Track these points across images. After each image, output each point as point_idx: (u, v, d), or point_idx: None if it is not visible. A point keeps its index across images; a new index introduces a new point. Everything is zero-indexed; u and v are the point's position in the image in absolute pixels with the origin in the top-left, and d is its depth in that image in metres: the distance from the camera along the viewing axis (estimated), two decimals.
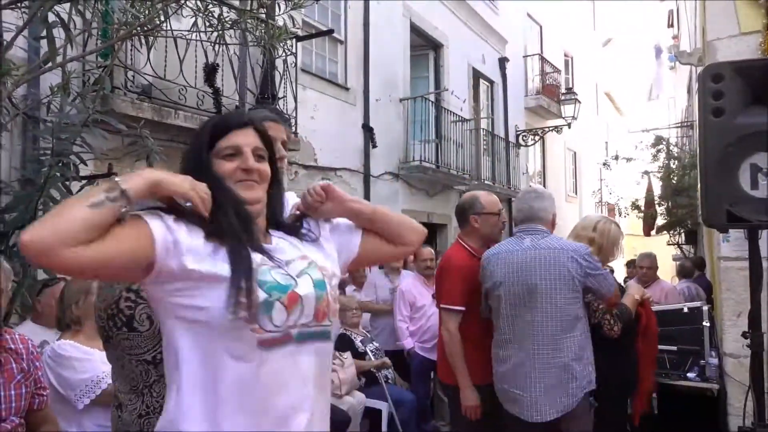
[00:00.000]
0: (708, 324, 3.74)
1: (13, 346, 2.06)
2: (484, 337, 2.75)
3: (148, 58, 4.39)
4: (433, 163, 8.97)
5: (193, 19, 3.85)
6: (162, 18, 3.64)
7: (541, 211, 2.70)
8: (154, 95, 4.68)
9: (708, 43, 4.77)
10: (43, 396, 2.15)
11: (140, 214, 1.12)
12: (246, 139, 1.28)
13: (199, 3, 3.77)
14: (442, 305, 2.92)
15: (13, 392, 1.99)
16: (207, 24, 3.84)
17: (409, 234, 1.50)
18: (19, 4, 2.57)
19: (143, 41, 3.99)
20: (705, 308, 3.84)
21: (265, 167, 1.31)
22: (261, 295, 1.14)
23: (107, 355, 1.82)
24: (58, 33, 2.59)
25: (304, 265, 1.27)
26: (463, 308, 2.83)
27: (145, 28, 3.37)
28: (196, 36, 4.19)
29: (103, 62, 4.08)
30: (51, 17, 2.28)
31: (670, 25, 15.46)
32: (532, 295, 2.53)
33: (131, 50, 4.48)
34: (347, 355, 4.44)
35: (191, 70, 4.84)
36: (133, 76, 4.56)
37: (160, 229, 1.11)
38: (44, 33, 2.38)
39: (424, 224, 8.02)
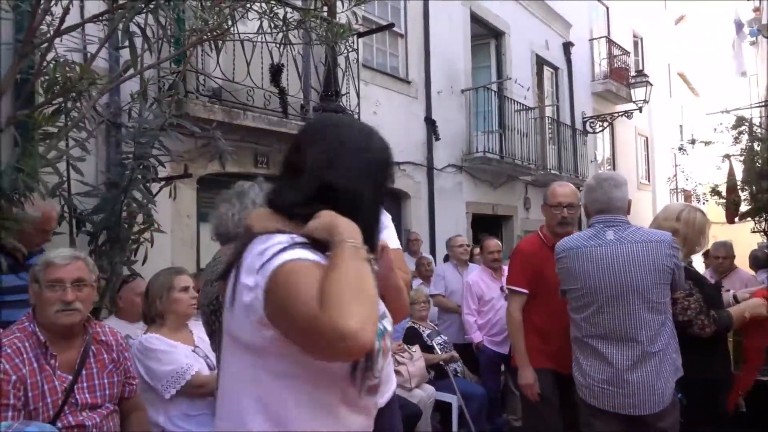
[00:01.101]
0: None
1: (104, 338, 2.21)
2: (547, 324, 2.80)
3: (218, 62, 4.55)
4: (497, 153, 8.82)
5: (259, 21, 3.96)
6: (230, 22, 3.77)
7: (620, 200, 2.56)
8: (224, 97, 4.86)
9: None
10: (132, 385, 2.29)
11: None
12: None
13: (264, 5, 3.87)
14: (507, 285, 3.10)
15: (106, 380, 2.14)
16: (272, 26, 3.94)
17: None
18: (100, 18, 2.72)
19: (213, 46, 4.15)
20: None
21: None
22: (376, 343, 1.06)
23: (212, 346, 1.95)
24: (139, 42, 2.73)
25: None
26: (525, 291, 2.91)
27: (215, 33, 3.50)
28: (262, 38, 4.31)
29: (176, 68, 4.28)
30: (131, 27, 2.41)
31: None
32: (624, 292, 2.41)
33: (201, 55, 4.66)
34: (416, 348, 4.46)
35: (258, 71, 4.98)
36: (204, 80, 4.75)
37: None
38: (125, 42, 2.51)
39: (490, 216, 7.88)
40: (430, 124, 7.93)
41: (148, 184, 3.65)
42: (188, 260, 4.64)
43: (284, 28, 3.83)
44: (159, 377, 2.47)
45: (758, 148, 9.59)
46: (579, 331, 2.53)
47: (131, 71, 2.66)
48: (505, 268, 4.10)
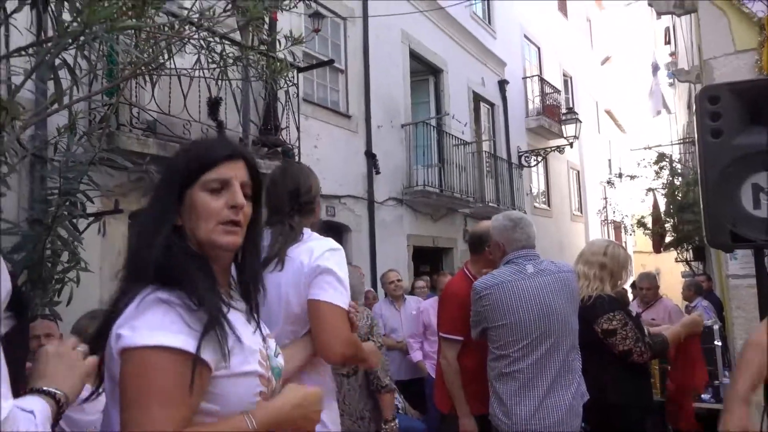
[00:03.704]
0: (720, 343, 3.70)
1: None
2: (482, 367, 2.69)
3: (153, 95, 4.46)
4: (437, 187, 9.00)
5: (196, 56, 3.93)
6: (166, 56, 3.72)
7: (534, 237, 2.71)
8: (159, 131, 4.75)
9: (704, 61, 4.81)
10: None
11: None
12: (236, 171, 1.18)
13: (201, 41, 3.85)
14: (441, 334, 2.92)
15: None
16: (210, 60, 3.91)
17: None
18: (26, 50, 2.63)
19: (148, 79, 4.08)
20: (716, 327, 3.80)
21: (249, 210, 1.20)
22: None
23: None
24: (65, 74, 2.65)
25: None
26: (461, 338, 2.80)
27: (150, 67, 3.44)
28: (199, 72, 4.28)
29: (108, 101, 4.16)
30: (57, 61, 2.34)
31: (667, 42, 15.61)
32: (550, 321, 2.50)
33: (136, 88, 4.56)
34: None
35: (195, 104, 4.91)
36: (138, 113, 4.64)
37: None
38: (49, 77, 2.43)
39: (430, 249, 7.94)
40: (371, 157, 8.02)
41: (75, 221, 3.49)
42: None
43: (222, 64, 3.82)
44: (81, 427, 2.33)
45: (678, 183, 10.24)
46: (505, 366, 2.53)
47: (57, 105, 2.57)
48: None
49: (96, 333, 1.13)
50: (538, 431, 2.43)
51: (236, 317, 1.16)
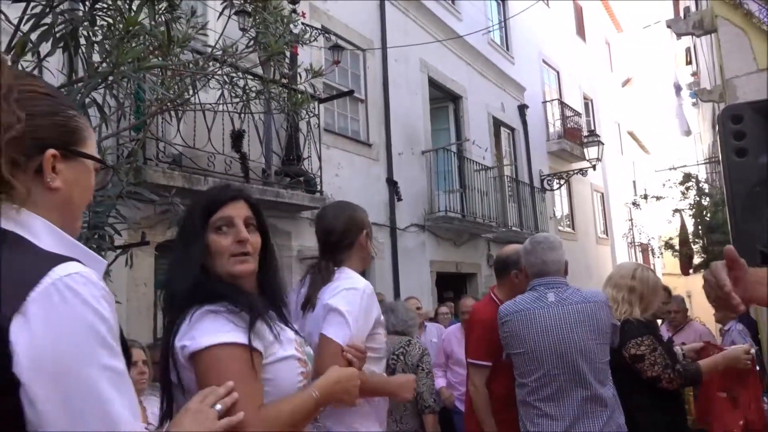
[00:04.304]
0: (758, 368, 3.56)
1: None
2: (511, 393, 2.66)
3: (178, 130, 4.59)
4: (459, 212, 8.99)
5: (220, 91, 4.04)
6: (191, 92, 3.83)
7: (555, 263, 2.60)
8: (184, 164, 4.86)
9: (727, 81, 4.77)
10: None
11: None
12: (238, 210, 1.39)
13: (225, 76, 3.96)
14: (468, 360, 2.90)
15: None
16: (233, 95, 4.02)
17: None
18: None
19: (173, 114, 4.19)
20: (753, 351, 3.67)
21: (257, 238, 1.42)
22: None
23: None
24: (94, 112, 2.75)
25: None
26: (489, 363, 2.77)
27: (175, 103, 3.55)
28: (223, 107, 4.39)
29: (135, 136, 4.29)
30: (87, 100, 2.42)
31: (689, 62, 15.51)
32: (568, 353, 2.44)
33: (162, 123, 4.69)
34: None
35: (219, 137, 5.03)
36: (164, 147, 4.76)
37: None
38: (82, 114, 2.52)
39: (453, 274, 7.87)
40: (392, 185, 8.07)
41: (103, 253, 3.56)
42: (145, 330, 4.50)
43: (244, 98, 3.91)
44: None
45: (706, 203, 10.05)
46: (526, 396, 2.51)
47: None
48: None
49: (160, 362, 1.35)
50: None
51: (270, 318, 1.39)
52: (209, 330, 1.24)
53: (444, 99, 10.22)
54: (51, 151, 0.85)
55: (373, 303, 1.85)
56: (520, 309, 2.55)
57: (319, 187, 6.19)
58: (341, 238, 1.97)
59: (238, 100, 4.02)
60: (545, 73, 14.65)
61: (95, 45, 2.29)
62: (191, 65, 3.80)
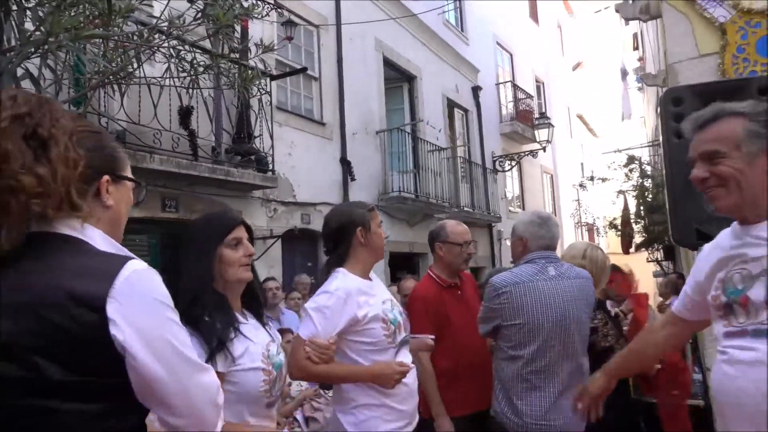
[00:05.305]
0: (690, 340, 3.77)
1: None
2: (455, 367, 2.68)
3: (122, 105, 4.40)
4: (413, 192, 9.03)
5: (166, 64, 3.89)
6: (135, 65, 3.68)
7: (556, 240, 2.68)
8: (128, 140, 4.68)
9: (670, 65, 4.93)
10: None
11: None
12: (242, 233, 1.84)
13: (171, 50, 3.81)
14: (412, 335, 2.91)
15: None
16: (180, 69, 3.88)
17: None
18: None
19: (116, 88, 4.02)
20: None
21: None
22: None
23: None
24: (28, 84, 2.59)
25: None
26: (432, 336, 2.80)
27: (118, 76, 3.40)
28: (170, 81, 4.24)
29: (75, 110, 4.09)
30: (19, 71, 2.29)
31: (636, 48, 15.95)
32: (566, 325, 2.49)
33: (104, 97, 4.49)
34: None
35: (165, 113, 4.86)
36: (107, 123, 4.57)
37: None
38: (13, 86, 2.38)
39: (406, 254, 7.91)
40: (346, 164, 8.02)
41: None
42: None
43: (192, 72, 3.78)
44: None
45: (648, 185, 10.45)
46: (517, 368, 2.50)
47: None
48: None
49: None
50: None
51: (247, 328, 1.77)
52: None
53: (399, 79, 10.19)
54: (105, 177, 1.12)
55: (346, 303, 2.05)
56: (520, 281, 2.54)
57: (270, 166, 6.09)
58: (336, 239, 2.21)
59: (185, 74, 3.89)
60: (499, 55, 14.79)
61: (27, 11, 2.15)
62: (135, 37, 3.65)
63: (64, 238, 1.01)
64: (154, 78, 4.13)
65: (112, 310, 0.94)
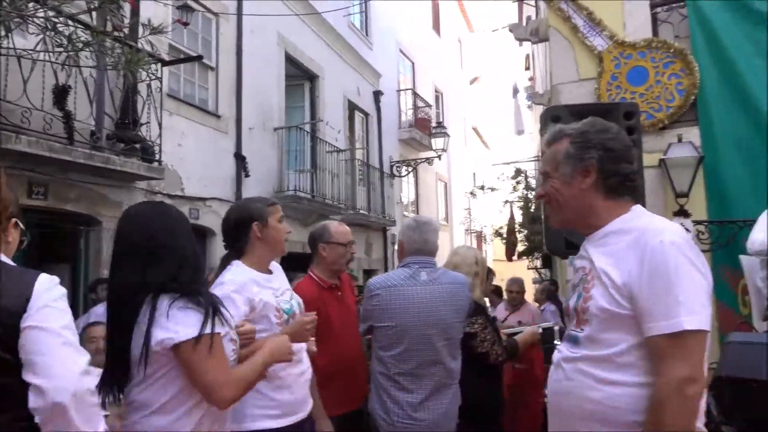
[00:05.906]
0: (559, 343, 4.03)
1: None
2: (331, 367, 2.69)
3: None
4: (309, 192, 8.95)
5: (40, 37, 3.56)
6: (2, 33, 3.33)
7: (433, 244, 2.74)
8: None
9: (554, 86, 5.29)
10: None
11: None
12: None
13: (46, 21, 3.50)
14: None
15: None
16: (56, 43, 3.56)
17: None
18: None
19: None
20: (556, 328, 4.14)
21: None
22: None
23: None
24: None
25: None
26: (312, 338, 2.78)
27: None
28: (44, 56, 3.87)
29: None
30: None
31: (527, 68, 16.98)
32: (436, 330, 2.56)
33: None
34: None
35: (38, 91, 4.42)
36: None
37: None
38: None
39: (300, 254, 7.84)
40: (240, 159, 7.78)
41: None
42: None
43: (70, 48, 3.49)
44: None
45: (531, 196, 11.15)
46: (386, 368, 2.58)
47: None
48: None
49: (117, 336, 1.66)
50: None
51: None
52: (187, 323, 1.54)
53: (301, 77, 10.07)
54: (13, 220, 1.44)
55: (239, 293, 2.06)
56: (392, 284, 2.61)
57: (157, 156, 5.75)
58: (233, 233, 2.23)
59: (62, 49, 3.58)
60: (401, 62, 15.10)
61: None
62: (4, 3, 3.31)
63: None
64: (25, 50, 3.76)
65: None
